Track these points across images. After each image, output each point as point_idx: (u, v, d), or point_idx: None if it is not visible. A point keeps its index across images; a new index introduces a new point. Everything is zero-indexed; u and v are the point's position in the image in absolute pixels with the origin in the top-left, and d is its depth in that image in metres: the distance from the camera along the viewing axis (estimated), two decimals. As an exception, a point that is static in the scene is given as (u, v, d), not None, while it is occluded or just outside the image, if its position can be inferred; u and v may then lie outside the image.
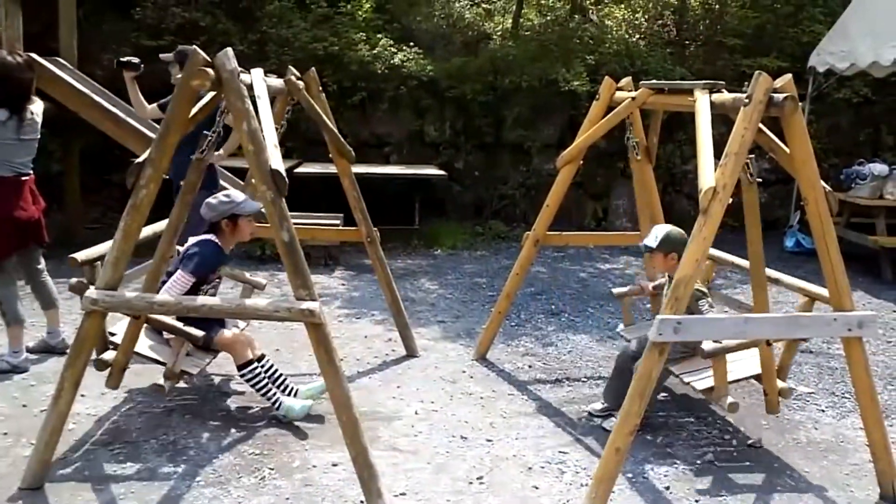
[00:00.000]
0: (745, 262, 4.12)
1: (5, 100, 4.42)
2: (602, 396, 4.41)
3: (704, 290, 4.12)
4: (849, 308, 3.44)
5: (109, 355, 3.75)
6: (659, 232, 4.18)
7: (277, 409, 4.06)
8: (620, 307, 4.94)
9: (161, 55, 5.62)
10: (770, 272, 4.06)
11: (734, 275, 7.43)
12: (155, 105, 5.66)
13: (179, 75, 5.13)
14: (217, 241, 4.07)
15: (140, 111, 5.74)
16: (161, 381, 3.77)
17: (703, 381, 3.95)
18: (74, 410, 3.66)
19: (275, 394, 4.07)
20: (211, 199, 4.07)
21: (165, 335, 3.95)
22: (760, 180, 3.62)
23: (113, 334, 3.91)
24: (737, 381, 4.01)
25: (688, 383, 4.02)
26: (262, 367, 4.14)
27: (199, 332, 3.80)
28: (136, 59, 5.53)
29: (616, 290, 4.82)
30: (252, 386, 4.06)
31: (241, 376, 4.07)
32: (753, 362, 4.01)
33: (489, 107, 9.26)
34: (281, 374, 4.26)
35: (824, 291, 3.69)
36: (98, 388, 4.36)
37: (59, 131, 7.18)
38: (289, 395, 4.21)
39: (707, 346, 3.66)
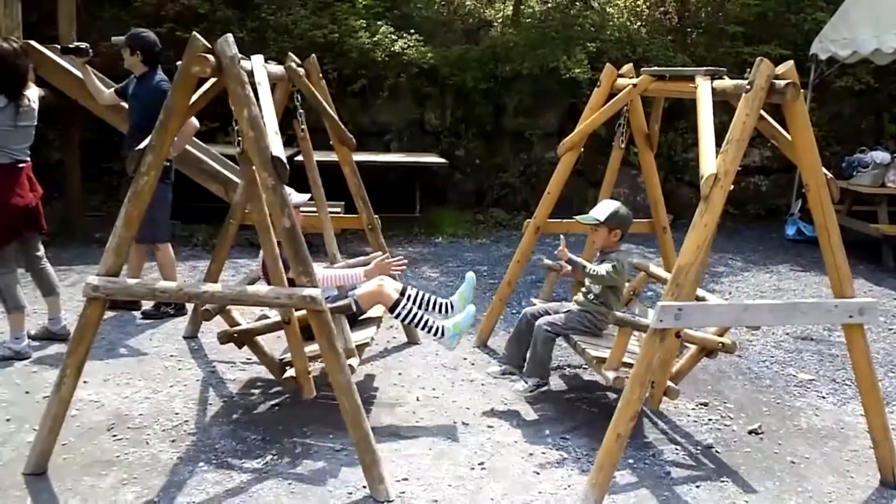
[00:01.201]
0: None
1: (2, 86, 4.41)
2: (504, 358, 4.55)
3: (619, 270, 4.14)
4: (850, 295, 3.44)
5: (291, 372, 3.72)
6: (608, 207, 4.31)
7: (442, 336, 4.08)
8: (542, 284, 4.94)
9: (113, 38, 5.57)
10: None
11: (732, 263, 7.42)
12: (112, 91, 5.62)
13: (130, 59, 5.19)
14: None
15: (97, 97, 5.68)
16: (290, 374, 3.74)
17: (599, 350, 4.02)
18: (77, 396, 3.68)
19: (433, 323, 4.07)
20: None
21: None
22: (741, 168, 3.63)
23: (283, 358, 3.92)
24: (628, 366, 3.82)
25: (583, 350, 4.09)
26: (410, 299, 4.21)
27: (347, 301, 3.93)
28: (83, 45, 5.46)
29: (546, 262, 4.91)
30: (408, 324, 4.18)
31: (395, 316, 4.13)
32: None
33: (490, 94, 9.23)
34: (430, 297, 4.34)
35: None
36: (100, 375, 4.40)
37: (59, 119, 7.17)
38: (446, 311, 4.31)
39: (620, 315, 3.81)
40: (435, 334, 4.08)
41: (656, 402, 3.80)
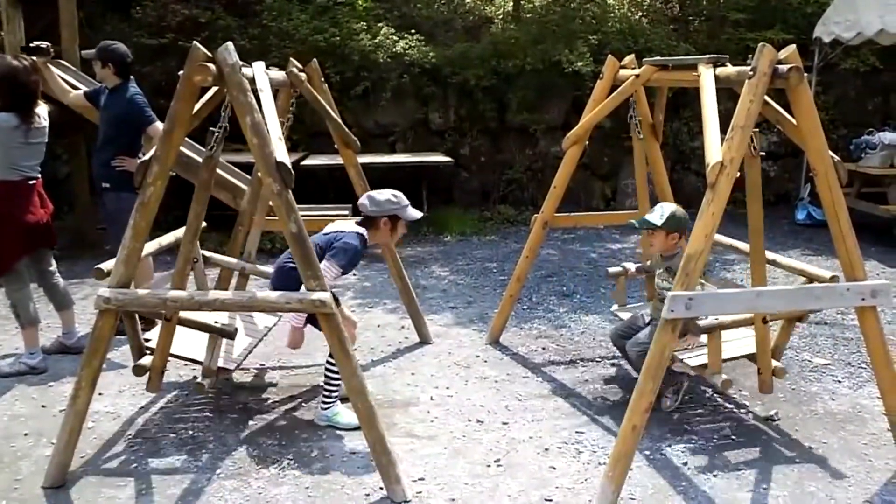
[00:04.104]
0: (742, 244, 4.09)
1: (13, 104, 4.44)
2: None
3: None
4: (861, 278, 3.42)
5: (147, 360, 3.78)
6: (665, 210, 4.14)
7: (326, 408, 3.94)
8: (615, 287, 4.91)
9: (83, 52, 5.51)
10: (770, 255, 4.02)
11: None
12: (80, 92, 5.55)
13: (102, 71, 5.17)
14: (366, 236, 3.88)
15: (62, 97, 5.58)
16: (200, 380, 3.81)
17: (696, 358, 3.93)
18: (93, 409, 3.71)
19: (339, 391, 3.88)
20: (376, 195, 3.91)
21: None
22: (764, 154, 3.60)
23: (147, 340, 3.94)
24: (730, 360, 3.97)
25: (681, 360, 3.96)
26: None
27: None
28: (44, 44, 5.37)
29: (611, 270, 4.81)
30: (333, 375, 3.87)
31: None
32: (746, 342, 4.00)
33: (493, 91, 9.22)
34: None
35: (824, 273, 3.76)
36: (116, 387, 4.42)
37: (66, 134, 7.21)
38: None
39: (701, 321, 3.67)
40: (328, 397, 3.92)
41: (768, 386, 3.85)
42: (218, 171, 6.81)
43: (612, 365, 4.81)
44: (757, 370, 3.87)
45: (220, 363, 3.89)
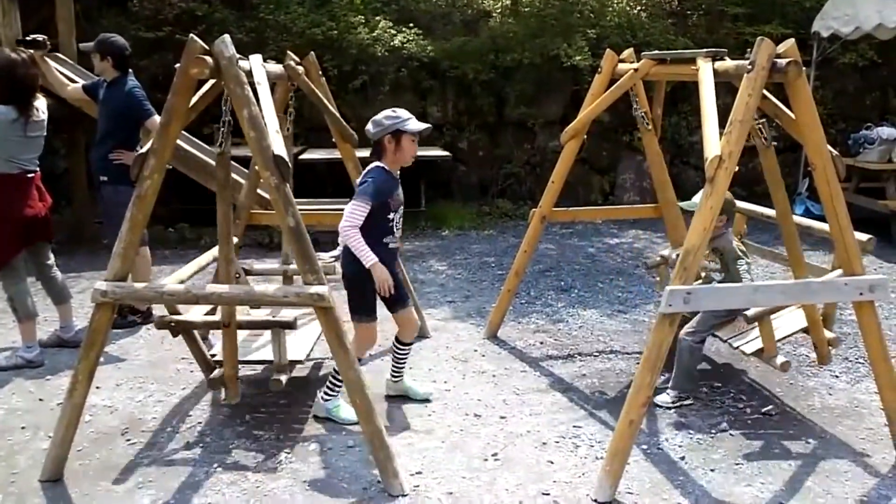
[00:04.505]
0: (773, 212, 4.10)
1: (11, 97, 4.42)
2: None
3: (743, 249, 4.19)
4: (860, 273, 3.42)
5: (219, 373, 3.76)
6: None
7: (328, 399, 3.96)
8: (656, 279, 4.88)
9: (81, 45, 5.50)
10: (799, 220, 4.21)
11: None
12: (79, 85, 5.52)
13: (100, 64, 5.15)
14: (383, 165, 3.81)
15: (60, 90, 5.58)
16: (275, 377, 3.79)
17: (750, 343, 4.03)
18: (90, 402, 3.70)
19: (339, 391, 3.91)
20: (377, 116, 3.84)
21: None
22: (775, 143, 3.64)
23: (214, 355, 3.95)
24: (786, 338, 4.12)
25: (736, 348, 4.09)
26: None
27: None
28: (41, 37, 5.36)
29: (649, 262, 4.85)
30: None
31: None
32: (795, 316, 4.12)
33: (491, 85, 9.21)
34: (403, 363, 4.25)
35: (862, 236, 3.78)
36: (113, 380, 4.42)
37: (64, 128, 7.19)
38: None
39: (750, 311, 3.71)
40: (331, 389, 3.92)
41: (826, 358, 3.99)
42: (212, 162, 6.81)
43: (610, 359, 4.81)
44: (813, 344, 4.07)
45: (290, 356, 3.87)
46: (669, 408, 4.08)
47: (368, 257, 3.64)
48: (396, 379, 4.21)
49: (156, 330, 5.25)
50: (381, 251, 3.72)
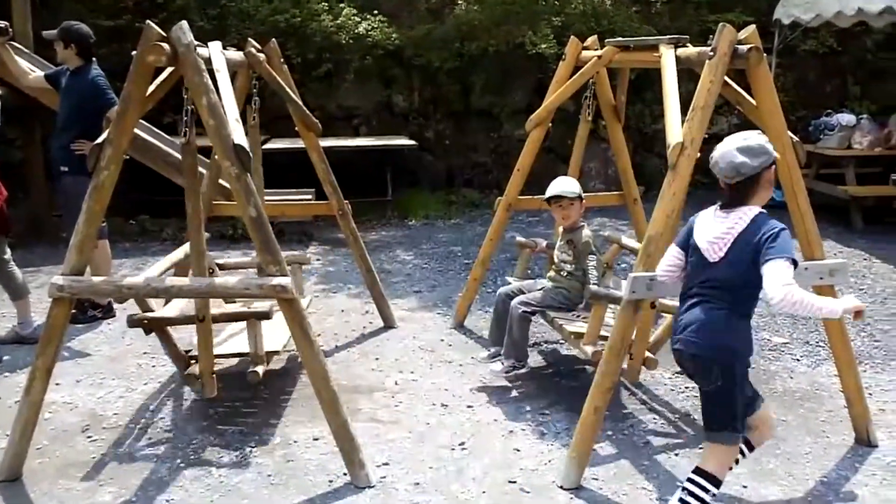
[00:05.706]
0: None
1: None
2: (490, 342, 4.47)
3: (597, 245, 4.26)
4: (820, 257, 3.46)
5: (195, 368, 3.67)
6: (572, 181, 4.30)
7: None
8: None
9: (44, 32, 5.40)
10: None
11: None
12: (40, 74, 5.43)
13: (64, 52, 5.04)
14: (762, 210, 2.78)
15: (21, 79, 5.48)
16: (252, 369, 3.72)
17: (575, 326, 4.06)
18: (50, 399, 3.63)
19: None
20: (749, 143, 2.76)
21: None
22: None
23: (188, 351, 3.87)
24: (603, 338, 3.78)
25: (560, 326, 4.12)
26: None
27: None
28: (3, 24, 5.25)
29: (519, 239, 4.89)
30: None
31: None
32: None
33: (457, 74, 9.17)
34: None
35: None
36: (73, 376, 4.33)
37: (20, 118, 7.02)
38: None
39: (594, 288, 3.83)
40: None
41: (635, 373, 3.78)
42: (176, 154, 6.70)
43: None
44: (629, 355, 3.59)
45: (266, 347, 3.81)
46: (504, 376, 4.20)
47: (828, 304, 2.74)
48: None
49: (116, 325, 5.19)
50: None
